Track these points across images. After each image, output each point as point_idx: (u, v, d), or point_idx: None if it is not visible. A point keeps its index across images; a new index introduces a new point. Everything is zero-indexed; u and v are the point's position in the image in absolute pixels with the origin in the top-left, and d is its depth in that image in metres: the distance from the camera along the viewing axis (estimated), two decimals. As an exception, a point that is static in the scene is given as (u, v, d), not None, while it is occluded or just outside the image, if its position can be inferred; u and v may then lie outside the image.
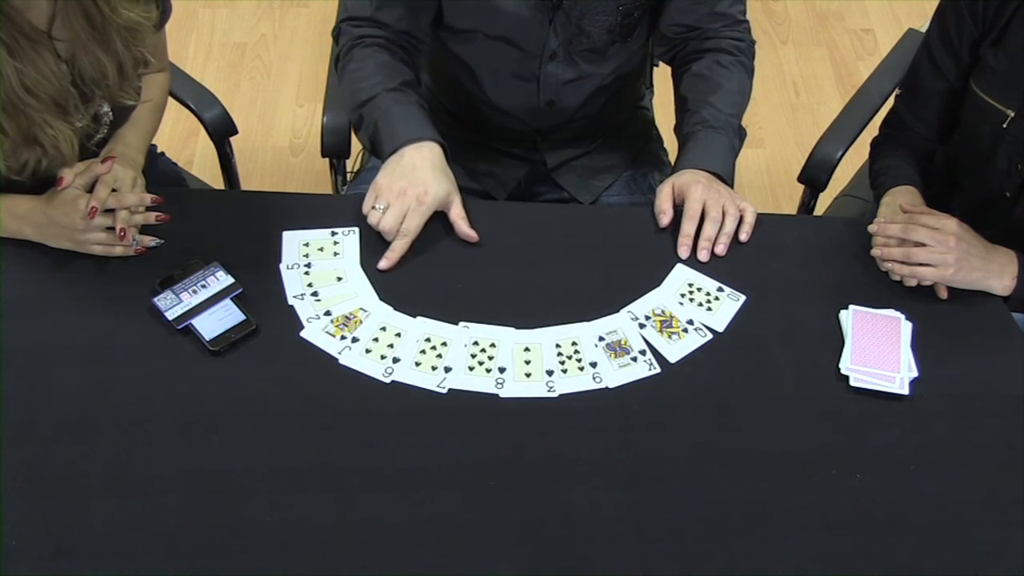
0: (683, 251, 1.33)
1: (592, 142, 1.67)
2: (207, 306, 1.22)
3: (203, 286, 1.24)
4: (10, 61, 1.12)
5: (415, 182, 1.31)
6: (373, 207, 1.31)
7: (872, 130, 1.62)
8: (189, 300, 1.22)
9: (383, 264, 1.29)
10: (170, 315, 1.20)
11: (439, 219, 1.36)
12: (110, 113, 1.31)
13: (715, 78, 1.47)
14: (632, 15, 1.46)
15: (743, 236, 1.35)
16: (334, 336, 1.22)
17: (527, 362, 1.21)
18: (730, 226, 1.34)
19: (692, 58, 1.52)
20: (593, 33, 1.46)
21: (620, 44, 1.50)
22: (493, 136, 1.64)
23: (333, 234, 1.32)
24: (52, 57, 1.18)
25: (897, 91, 1.55)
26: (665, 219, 1.36)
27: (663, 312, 1.27)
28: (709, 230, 1.33)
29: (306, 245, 1.31)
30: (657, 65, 1.80)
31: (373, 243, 1.31)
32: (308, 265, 1.28)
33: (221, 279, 1.25)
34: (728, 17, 1.51)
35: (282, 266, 1.28)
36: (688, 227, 1.34)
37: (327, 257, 1.30)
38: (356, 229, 1.33)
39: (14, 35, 1.12)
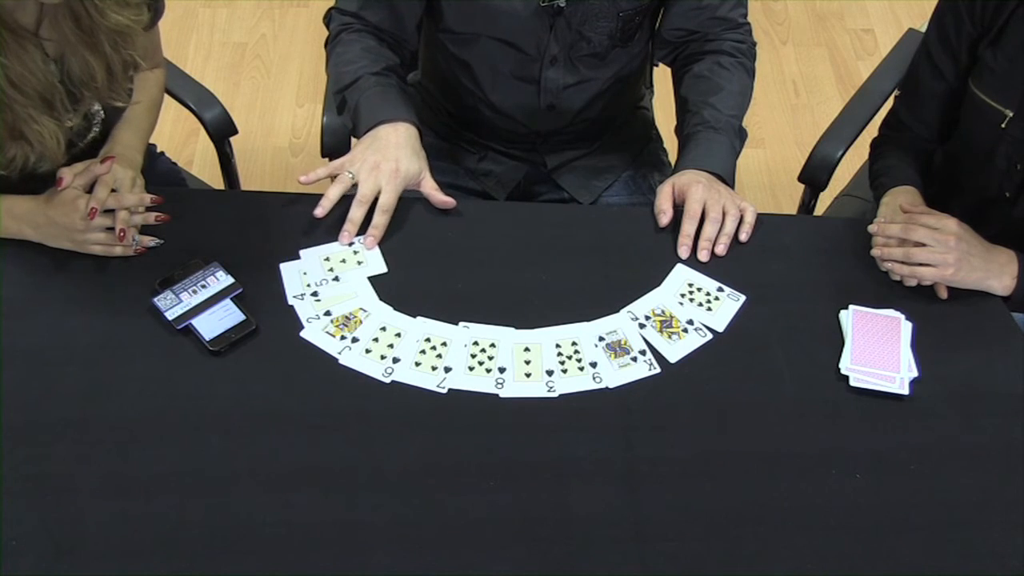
0: (683, 251, 1.33)
1: (592, 143, 1.67)
2: (207, 306, 1.22)
3: (203, 286, 1.24)
4: None
5: (388, 157, 1.33)
6: (346, 172, 1.32)
7: (872, 130, 1.62)
8: (189, 300, 1.22)
9: (369, 242, 1.31)
10: (170, 315, 1.20)
11: (440, 220, 1.36)
12: (101, 112, 1.31)
13: (716, 79, 1.47)
14: (633, 20, 1.46)
15: (743, 236, 1.35)
16: (334, 336, 1.22)
17: (527, 362, 1.21)
18: (730, 226, 1.34)
19: (693, 60, 1.52)
20: (594, 39, 1.46)
21: (621, 48, 1.50)
22: (493, 137, 1.64)
23: (351, 244, 1.32)
24: (39, 55, 1.18)
25: (896, 92, 1.55)
26: (665, 219, 1.36)
27: (663, 312, 1.27)
28: (709, 230, 1.33)
29: (327, 260, 1.30)
30: (657, 65, 1.80)
31: (379, 249, 1.31)
32: (315, 293, 1.26)
33: (221, 279, 1.25)
34: (729, 21, 1.51)
35: (292, 294, 1.28)
36: (688, 227, 1.34)
37: (351, 267, 1.29)
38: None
39: (2, 32, 1.12)
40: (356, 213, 1.31)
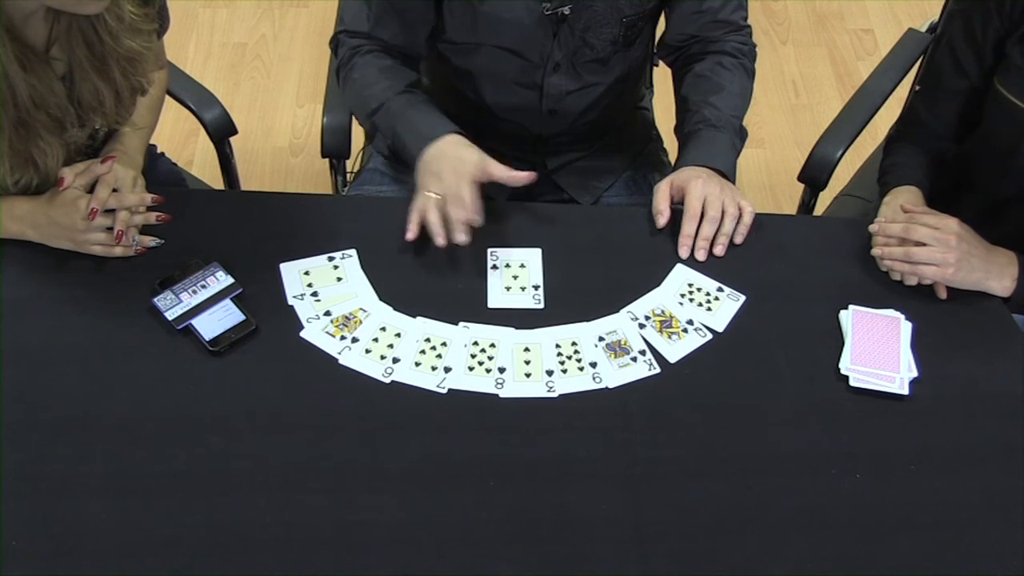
0: (683, 251, 1.33)
1: (592, 144, 1.67)
2: (207, 306, 1.22)
3: (203, 286, 1.24)
4: (23, 75, 1.11)
5: (447, 158, 1.32)
6: (428, 194, 1.30)
7: (872, 130, 1.62)
8: (189, 300, 1.22)
9: (462, 238, 1.27)
10: (170, 315, 1.20)
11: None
12: (105, 128, 1.31)
13: (716, 79, 1.47)
14: (636, 25, 1.46)
15: (738, 239, 1.35)
16: (334, 336, 1.22)
17: (527, 362, 1.21)
18: (728, 226, 1.34)
19: (694, 60, 1.52)
20: (597, 45, 1.45)
21: (623, 53, 1.50)
22: (493, 138, 1.63)
23: (331, 259, 1.31)
24: (52, 75, 1.18)
25: (916, 88, 1.53)
26: (662, 220, 1.35)
27: (663, 312, 1.27)
28: (707, 230, 1.33)
29: (307, 274, 1.28)
30: (657, 65, 1.80)
31: (372, 259, 1.31)
32: (315, 293, 1.26)
33: (221, 279, 1.25)
34: (730, 24, 1.50)
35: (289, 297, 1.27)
36: (688, 227, 1.33)
37: (331, 283, 1.28)
38: (353, 251, 1.31)
39: (27, 53, 1.11)
40: (433, 216, 1.28)
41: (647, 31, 1.52)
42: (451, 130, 1.37)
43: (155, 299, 1.22)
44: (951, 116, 1.45)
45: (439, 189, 1.30)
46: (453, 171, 1.30)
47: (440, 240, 1.28)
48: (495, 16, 1.41)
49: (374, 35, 1.45)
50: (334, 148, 1.65)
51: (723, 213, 1.34)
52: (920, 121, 1.49)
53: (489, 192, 1.65)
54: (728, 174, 1.40)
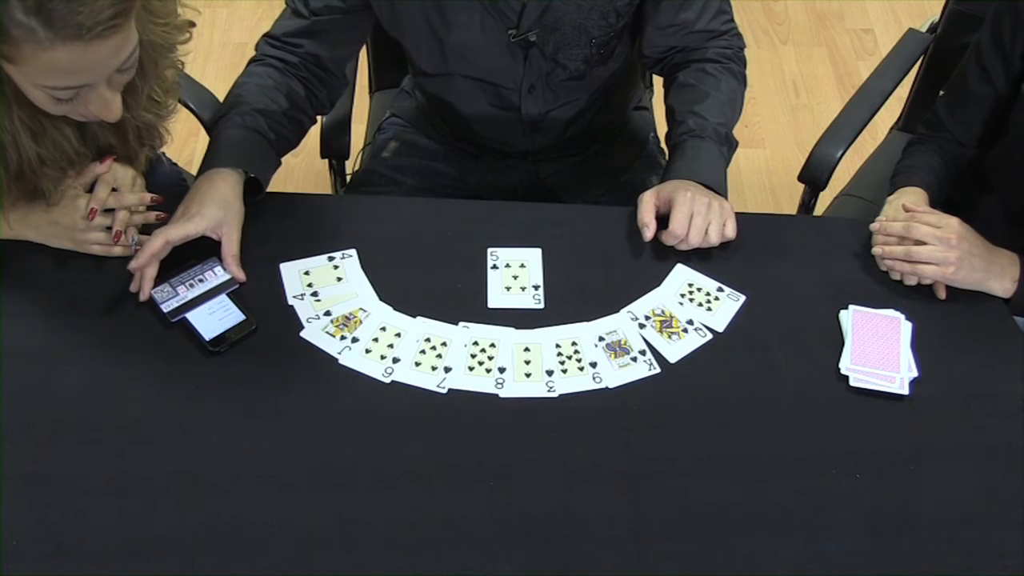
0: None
1: (585, 149, 1.66)
2: (204, 300, 1.21)
3: (200, 280, 1.24)
4: (32, 146, 1.12)
5: (193, 202, 1.25)
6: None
7: (872, 130, 1.62)
8: (186, 293, 1.22)
9: (133, 284, 1.23)
10: (165, 307, 1.20)
11: (440, 220, 1.36)
12: None
13: (701, 87, 1.43)
14: (608, 44, 1.44)
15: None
16: (334, 336, 1.22)
17: (527, 362, 1.21)
18: (707, 244, 1.31)
19: (678, 68, 1.48)
20: (569, 65, 1.44)
21: (601, 67, 1.48)
22: (485, 151, 1.63)
23: (331, 259, 1.30)
24: (71, 131, 1.18)
25: (941, 92, 1.52)
26: (649, 232, 1.31)
27: (663, 312, 1.27)
28: (683, 247, 1.31)
29: (307, 274, 1.28)
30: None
31: (372, 259, 1.31)
32: (315, 294, 1.26)
33: (219, 274, 1.25)
34: (710, 32, 1.46)
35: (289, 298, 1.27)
36: (669, 242, 1.31)
37: (331, 283, 1.28)
38: (353, 251, 1.31)
39: (38, 119, 1.11)
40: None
41: (625, 41, 1.48)
42: (226, 164, 1.29)
43: (152, 291, 1.21)
44: (974, 123, 1.44)
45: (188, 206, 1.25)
46: (183, 213, 1.24)
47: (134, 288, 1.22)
48: (462, 47, 1.40)
49: (291, 41, 1.41)
50: (333, 149, 1.65)
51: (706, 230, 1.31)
52: (942, 126, 1.48)
53: (484, 193, 1.66)
54: (716, 186, 1.35)
